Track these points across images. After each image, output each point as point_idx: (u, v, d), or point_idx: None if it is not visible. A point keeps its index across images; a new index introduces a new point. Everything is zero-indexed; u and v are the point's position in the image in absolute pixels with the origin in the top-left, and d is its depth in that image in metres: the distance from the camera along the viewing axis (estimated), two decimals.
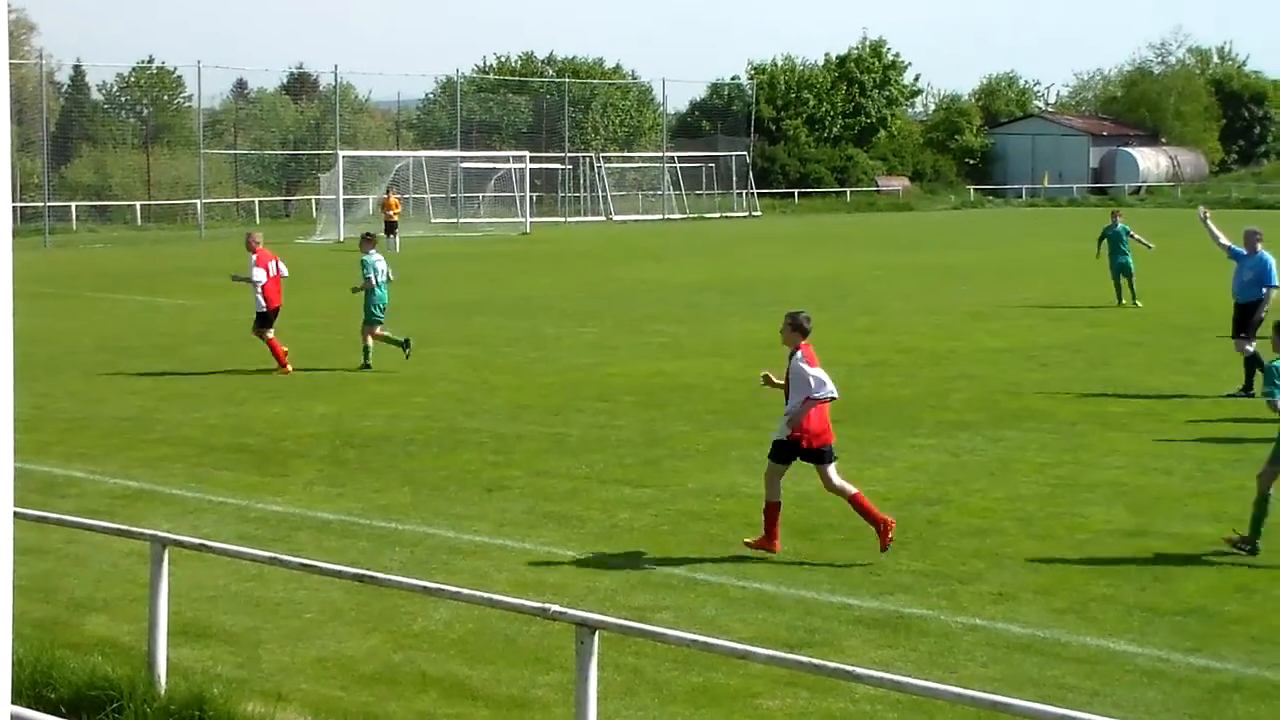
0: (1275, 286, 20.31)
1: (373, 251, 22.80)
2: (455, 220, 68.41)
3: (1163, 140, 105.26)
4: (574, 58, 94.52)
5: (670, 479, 14.66)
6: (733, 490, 14.10)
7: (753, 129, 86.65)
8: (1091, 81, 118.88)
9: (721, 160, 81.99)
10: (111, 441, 16.79)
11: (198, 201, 64.90)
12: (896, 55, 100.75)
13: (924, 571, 11.32)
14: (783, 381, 11.83)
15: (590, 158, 78.72)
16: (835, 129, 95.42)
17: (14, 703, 6.87)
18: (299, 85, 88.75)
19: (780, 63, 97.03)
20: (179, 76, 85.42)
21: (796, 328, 11.80)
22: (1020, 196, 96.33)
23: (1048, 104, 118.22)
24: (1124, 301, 30.92)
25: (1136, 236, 31.92)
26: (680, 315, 29.80)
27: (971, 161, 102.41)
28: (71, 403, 19.48)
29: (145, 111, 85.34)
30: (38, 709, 7.95)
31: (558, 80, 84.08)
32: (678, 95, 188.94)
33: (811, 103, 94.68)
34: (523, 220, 66.20)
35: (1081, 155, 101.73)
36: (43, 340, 24.77)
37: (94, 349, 24.87)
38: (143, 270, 43.10)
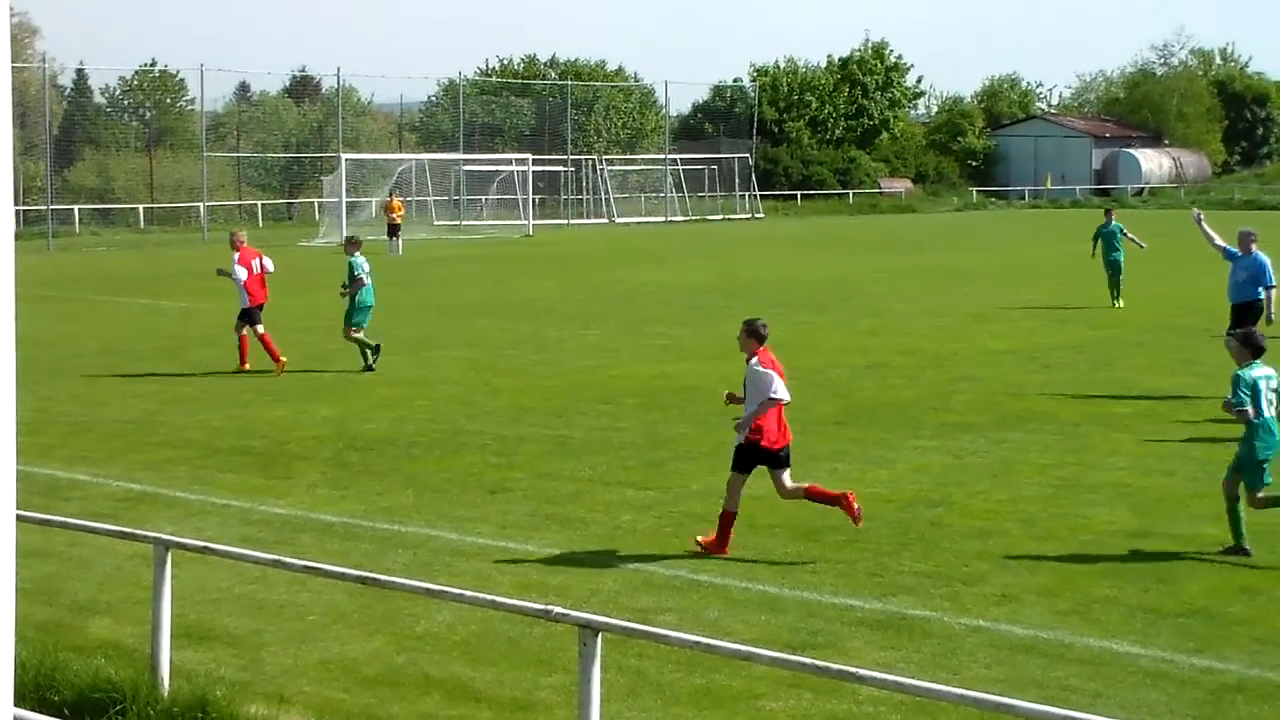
0: (1274, 286, 20.31)
1: (358, 254, 22.94)
2: (458, 223, 68.47)
3: (1165, 142, 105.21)
4: (576, 60, 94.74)
5: (673, 481, 14.66)
6: None
7: (755, 131, 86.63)
8: (1094, 83, 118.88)
9: (724, 162, 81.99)
10: (115, 444, 16.80)
11: (200, 204, 64.94)
12: (899, 57, 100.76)
13: (927, 573, 11.32)
14: (742, 395, 11.95)
15: (593, 160, 78.79)
16: (838, 131, 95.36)
17: (17, 705, 6.87)
18: (302, 88, 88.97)
19: (783, 65, 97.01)
20: (182, 79, 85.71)
21: (753, 334, 11.98)
22: (1023, 198, 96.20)
23: (1050, 106, 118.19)
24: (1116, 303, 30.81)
25: (1130, 235, 31.89)
26: (683, 317, 29.80)
27: (974, 163, 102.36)
28: (75, 406, 19.49)
29: (148, 115, 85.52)
30: (41, 712, 7.95)
31: (560, 83, 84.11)
32: (680, 97, 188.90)
33: (814, 105, 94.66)
34: (525, 223, 66.26)
35: (1084, 157, 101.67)
36: (46, 343, 24.79)
37: (97, 352, 24.89)
38: (146, 273, 43.14)
